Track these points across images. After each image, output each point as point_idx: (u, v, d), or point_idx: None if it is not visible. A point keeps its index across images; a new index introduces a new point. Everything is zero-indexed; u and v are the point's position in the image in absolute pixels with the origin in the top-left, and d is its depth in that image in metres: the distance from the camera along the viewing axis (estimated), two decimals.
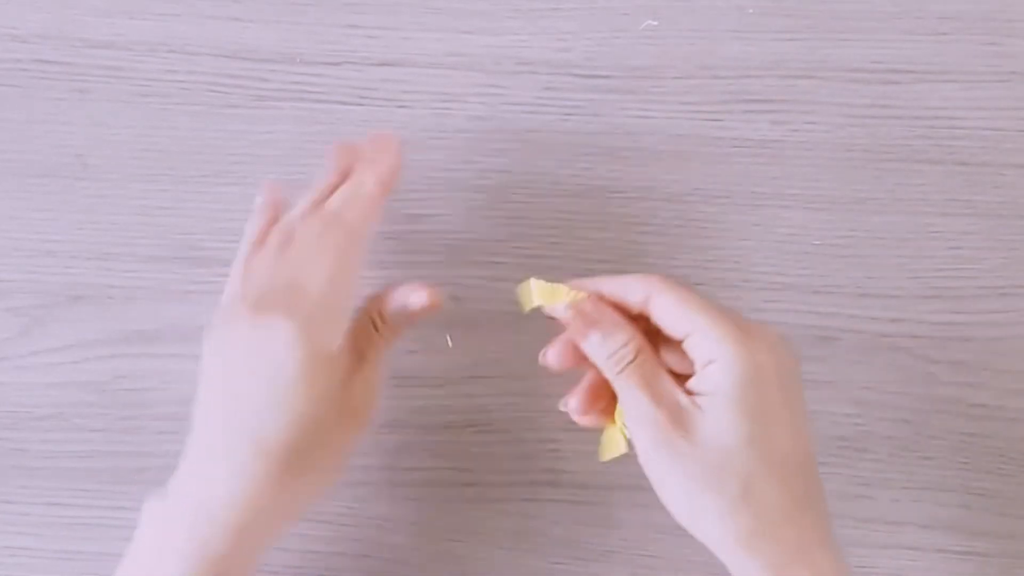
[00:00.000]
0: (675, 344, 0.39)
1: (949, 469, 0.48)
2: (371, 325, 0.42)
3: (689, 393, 0.38)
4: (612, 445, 0.41)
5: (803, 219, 0.51)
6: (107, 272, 0.51)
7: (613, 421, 0.41)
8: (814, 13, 0.53)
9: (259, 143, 0.52)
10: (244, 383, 0.39)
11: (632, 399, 0.38)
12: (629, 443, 0.40)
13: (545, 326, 0.50)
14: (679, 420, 0.37)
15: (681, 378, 0.38)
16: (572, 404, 0.41)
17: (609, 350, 0.38)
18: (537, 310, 0.40)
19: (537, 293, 0.40)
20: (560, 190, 0.51)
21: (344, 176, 0.44)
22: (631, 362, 0.38)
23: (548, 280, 0.40)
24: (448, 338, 0.50)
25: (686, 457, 0.37)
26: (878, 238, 0.50)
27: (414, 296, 0.42)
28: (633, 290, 0.39)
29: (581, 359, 0.40)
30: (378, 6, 0.53)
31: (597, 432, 0.49)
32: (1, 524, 0.49)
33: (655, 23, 0.53)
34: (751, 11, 0.53)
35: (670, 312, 0.38)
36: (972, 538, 0.48)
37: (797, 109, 0.52)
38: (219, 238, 0.51)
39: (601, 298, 0.39)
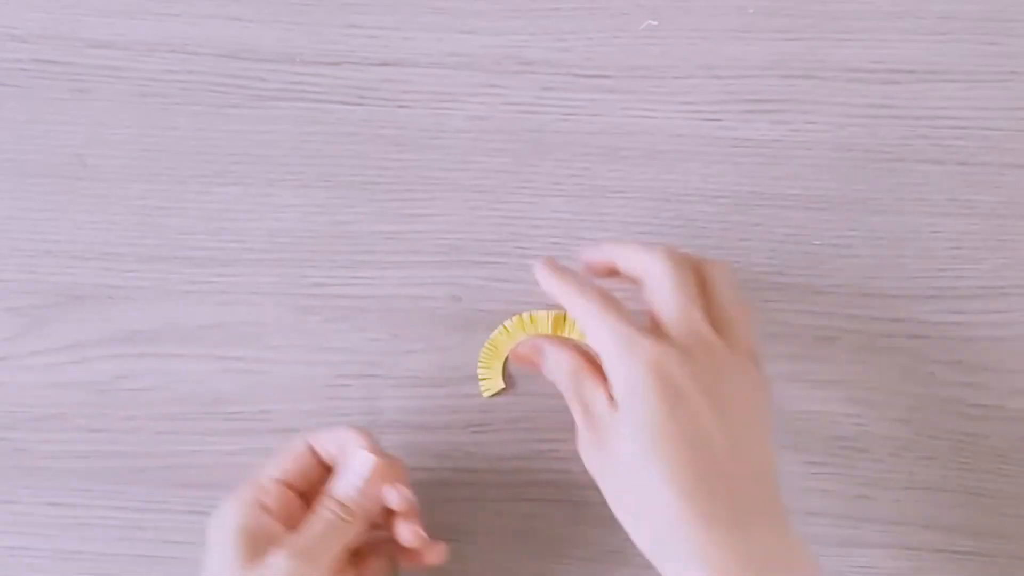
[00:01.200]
0: None
1: (949, 469, 0.48)
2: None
3: (612, 400, 0.39)
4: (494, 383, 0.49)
5: (803, 219, 0.51)
6: (107, 272, 0.51)
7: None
8: (814, 13, 0.53)
9: (259, 143, 0.52)
10: None
11: (570, 406, 0.41)
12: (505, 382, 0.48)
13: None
14: (595, 429, 0.39)
15: None
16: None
17: (552, 372, 0.43)
18: None
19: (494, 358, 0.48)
20: (560, 190, 0.51)
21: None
22: (567, 375, 0.41)
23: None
24: (456, 295, 0.50)
25: (599, 465, 0.39)
26: (878, 238, 0.50)
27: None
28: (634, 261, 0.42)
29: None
30: (378, 6, 0.53)
31: None
32: (1, 524, 0.49)
33: (655, 23, 0.53)
34: (751, 11, 0.53)
35: (582, 323, 0.40)
36: (972, 538, 0.48)
37: (797, 109, 0.52)
38: (219, 238, 0.51)
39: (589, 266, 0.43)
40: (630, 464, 0.37)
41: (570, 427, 0.49)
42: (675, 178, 0.51)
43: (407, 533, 0.42)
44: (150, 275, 0.51)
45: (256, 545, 0.39)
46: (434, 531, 0.48)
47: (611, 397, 0.39)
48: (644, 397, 0.37)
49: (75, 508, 0.49)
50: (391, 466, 0.42)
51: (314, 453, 0.43)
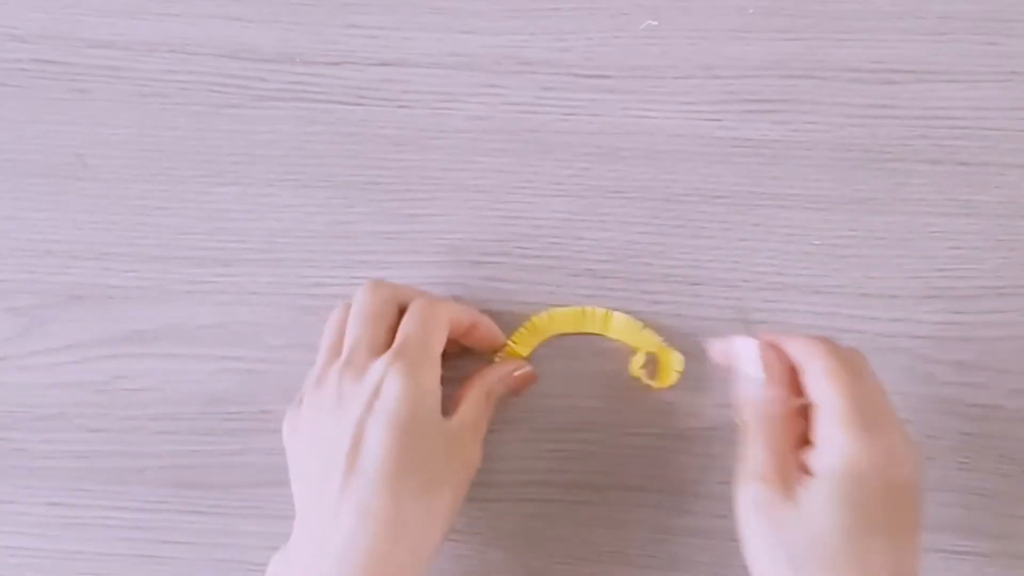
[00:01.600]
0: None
1: (949, 469, 0.48)
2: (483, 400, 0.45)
3: (803, 466, 0.38)
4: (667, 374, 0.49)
5: (803, 219, 0.51)
6: (107, 272, 0.51)
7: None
8: (814, 13, 0.53)
9: (259, 143, 0.52)
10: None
11: (751, 450, 0.39)
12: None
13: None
14: (784, 486, 0.38)
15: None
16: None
17: (758, 396, 0.41)
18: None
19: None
20: (560, 190, 0.51)
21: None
22: (769, 418, 0.40)
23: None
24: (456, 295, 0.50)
25: (777, 524, 0.37)
26: (878, 238, 0.50)
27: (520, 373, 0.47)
28: (795, 348, 0.41)
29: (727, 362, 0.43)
30: (378, 6, 0.53)
31: (595, 432, 0.49)
32: (1, 524, 0.49)
33: (655, 23, 0.53)
34: (751, 11, 0.53)
35: (816, 381, 0.39)
36: (972, 538, 0.48)
37: (797, 109, 0.52)
38: (219, 238, 0.51)
39: (770, 344, 0.41)
40: (817, 537, 0.36)
41: (570, 427, 0.49)
42: (675, 178, 0.51)
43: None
44: (150, 275, 0.51)
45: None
46: None
47: (804, 462, 0.38)
48: (869, 484, 0.37)
49: (75, 508, 0.49)
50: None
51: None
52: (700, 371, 0.48)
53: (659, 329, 0.49)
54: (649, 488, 0.48)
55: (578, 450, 0.48)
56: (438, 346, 0.43)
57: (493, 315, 0.49)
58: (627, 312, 0.49)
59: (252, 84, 0.53)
